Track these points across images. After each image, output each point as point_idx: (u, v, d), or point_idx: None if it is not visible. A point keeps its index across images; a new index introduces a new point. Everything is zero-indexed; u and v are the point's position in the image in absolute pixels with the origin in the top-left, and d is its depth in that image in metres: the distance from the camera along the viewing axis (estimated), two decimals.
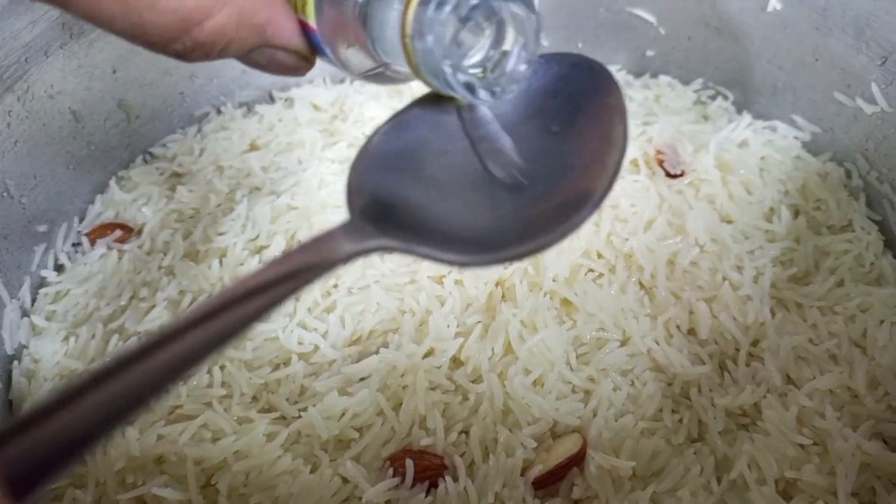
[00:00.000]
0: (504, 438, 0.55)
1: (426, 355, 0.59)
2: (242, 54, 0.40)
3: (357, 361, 0.59)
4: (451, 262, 0.35)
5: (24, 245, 0.69)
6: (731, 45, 0.81)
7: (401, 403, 0.56)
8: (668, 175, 0.72)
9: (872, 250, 0.68)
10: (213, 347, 0.29)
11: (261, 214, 0.69)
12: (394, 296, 0.62)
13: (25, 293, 0.68)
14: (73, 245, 0.74)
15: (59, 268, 0.72)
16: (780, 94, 0.79)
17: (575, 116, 0.41)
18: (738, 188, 0.71)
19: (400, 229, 0.36)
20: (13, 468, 0.24)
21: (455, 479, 0.53)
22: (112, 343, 0.62)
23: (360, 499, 0.52)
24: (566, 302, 0.62)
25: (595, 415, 0.56)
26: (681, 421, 0.58)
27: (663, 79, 0.87)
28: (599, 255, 0.65)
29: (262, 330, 0.61)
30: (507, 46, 0.38)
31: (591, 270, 0.65)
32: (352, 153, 0.78)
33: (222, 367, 0.59)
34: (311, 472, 0.54)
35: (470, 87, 0.38)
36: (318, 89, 0.88)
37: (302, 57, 0.42)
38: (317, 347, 0.60)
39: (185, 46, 0.37)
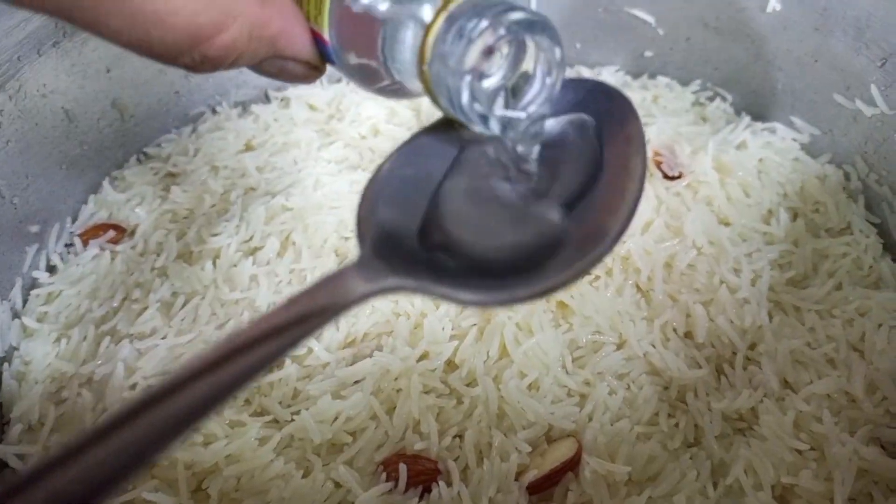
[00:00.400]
0: (498, 443, 0.54)
1: (420, 358, 0.58)
2: (253, 64, 0.39)
3: (351, 364, 0.58)
4: (466, 302, 0.34)
5: (15, 245, 0.68)
6: (730, 46, 0.80)
7: (394, 407, 0.56)
8: (666, 177, 0.72)
9: (871, 253, 0.67)
10: (222, 398, 0.28)
11: (255, 215, 0.69)
12: (388, 298, 0.62)
13: (17, 294, 0.67)
14: (66, 246, 0.73)
15: (51, 269, 0.71)
16: (779, 96, 0.79)
17: (592, 146, 0.40)
18: (737, 190, 0.71)
19: (412, 266, 0.35)
20: None
21: (449, 484, 0.53)
22: (104, 345, 0.62)
23: None
24: (562, 305, 0.62)
25: (590, 419, 0.56)
26: (677, 425, 0.57)
27: (662, 80, 0.87)
28: None
29: None
30: (527, 71, 0.37)
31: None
32: (348, 153, 0.79)
33: None
34: (304, 476, 0.53)
35: (484, 118, 0.37)
36: (314, 89, 0.87)
37: (312, 66, 0.41)
38: (310, 350, 0.60)
39: (193, 60, 0.35)
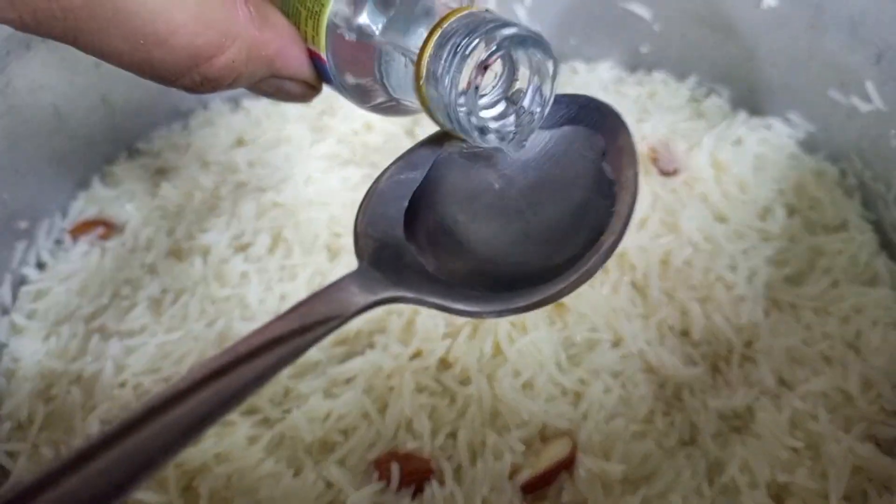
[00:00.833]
0: (492, 442, 0.53)
1: (413, 356, 0.58)
2: (251, 84, 0.40)
3: (342, 362, 0.58)
4: (462, 313, 0.35)
5: (4, 242, 0.67)
6: (726, 41, 0.80)
7: (387, 406, 0.55)
8: (662, 173, 0.71)
9: (867, 250, 0.67)
10: (225, 407, 0.28)
11: (246, 211, 0.68)
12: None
13: (6, 291, 0.66)
14: (56, 242, 0.72)
15: (40, 265, 0.70)
16: (775, 92, 0.78)
17: (586, 159, 0.41)
18: (733, 187, 0.71)
19: (409, 276, 0.36)
20: None
21: (442, 484, 0.52)
22: (93, 342, 0.61)
23: (345, 503, 0.51)
24: (557, 303, 0.61)
25: (585, 417, 0.55)
26: (672, 423, 0.57)
27: (657, 75, 0.86)
28: None
29: (246, 329, 0.60)
30: (521, 88, 0.38)
31: None
32: (340, 149, 0.78)
33: None
34: (295, 475, 0.53)
35: (482, 131, 0.37)
36: None
37: (310, 86, 0.42)
38: None
39: (193, 81, 0.36)
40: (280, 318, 0.31)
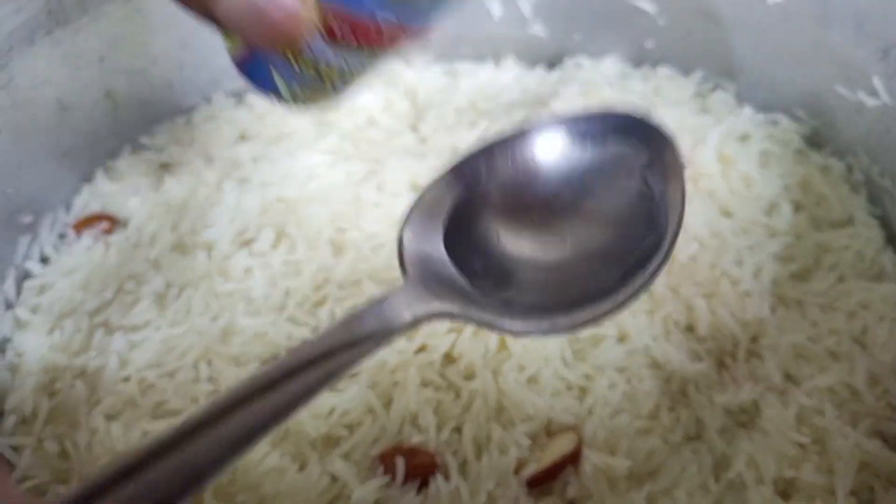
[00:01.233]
0: (497, 436, 0.53)
1: (418, 351, 0.57)
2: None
3: None
4: (508, 331, 0.36)
5: (8, 236, 0.67)
6: (732, 36, 0.80)
7: (391, 400, 0.55)
8: None
9: (873, 246, 0.67)
10: (269, 424, 0.28)
11: (249, 207, 0.68)
12: (386, 290, 0.61)
13: (10, 285, 0.66)
14: (59, 236, 0.72)
15: (44, 259, 0.70)
16: (781, 87, 0.78)
17: (632, 176, 0.41)
18: (738, 182, 0.70)
19: (454, 292, 0.36)
20: None
21: (447, 478, 0.52)
22: (97, 337, 0.61)
23: (349, 498, 0.51)
24: None
25: (591, 413, 0.55)
26: (678, 419, 0.57)
27: (662, 70, 0.86)
28: None
29: (250, 324, 0.60)
30: None
31: None
32: (343, 144, 0.78)
33: (209, 362, 0.58)
34: (299, 470, 0.53)
35: None
36: None
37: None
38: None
39: None
40: (328, 332, 0.31)
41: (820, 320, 0.61)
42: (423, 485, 0.52)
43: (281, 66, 0.42)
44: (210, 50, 0.80)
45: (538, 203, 0.41)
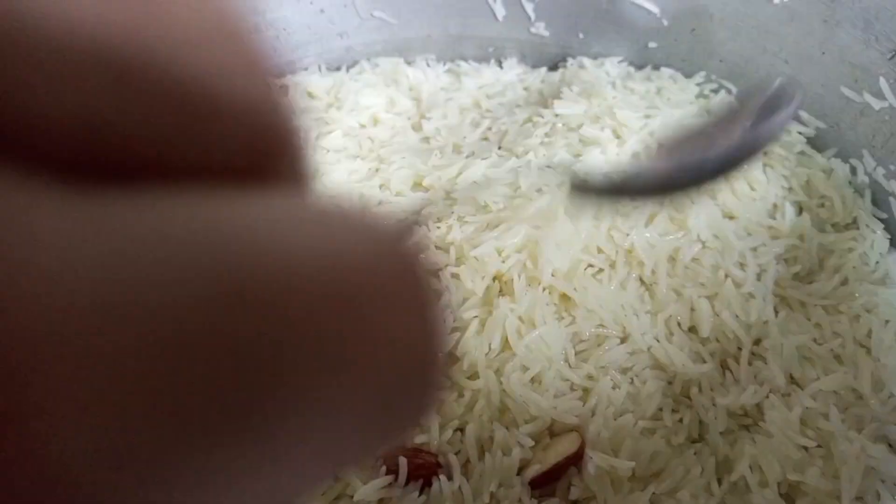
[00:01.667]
0: (500, 437, 0.53)
1: None
2: None
3: None
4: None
5: None
6: (736, 37, 0.79)
7: None
8: None
9: (878, 249, 0.66)
10: None
11: None
12: None
13: None
14: None
15: None
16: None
17: None
18: (742, 184, 0.70)
19: None
20: None
21: (449, 478, 0.52)
22: None
23: (352, 497, 0.51)
24: (565, 297, 0.61)
25: (594, 413, 0.55)
26: (681, 420, 0.56)
27: (665, 71, 0.85)
28: (599, 250, 0.64)
29: None
30: None
31: (590, 266, 0.63)
32: (347, 142, 0.77)
33: None
34: None
35: None
36: (312, 76, 0.86)
37: None
38: None
39: None
40: None
41: (824, 323, 0.61)
42: (426, 485, 0.52)
43: None
44: None
45: None
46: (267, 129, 0.15)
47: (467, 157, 0.75)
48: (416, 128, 0.80)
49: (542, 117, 0.78)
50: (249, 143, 0.14)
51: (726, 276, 0.63)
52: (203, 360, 0.10)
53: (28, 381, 0.09)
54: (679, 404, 0.58)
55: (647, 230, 0.65)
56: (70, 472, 0.09)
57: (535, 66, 0.90)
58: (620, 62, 0.88)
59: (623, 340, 0.60)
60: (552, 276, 0.61)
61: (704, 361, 0.59)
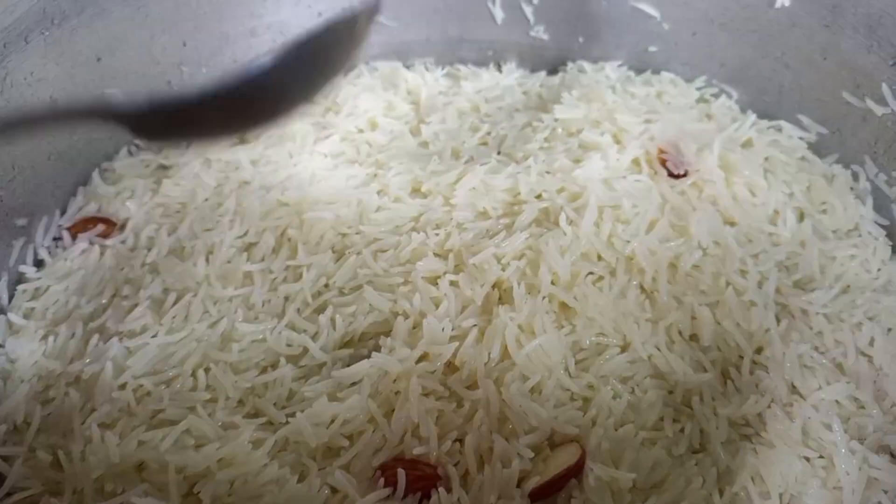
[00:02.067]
0: (500, 448, 0.52)
1: (420, 360, 0.56)
2: None
3: (348, 365, 0.57)
4: None
5: (1, 239, 0.66)
6: (737, 42, 0.79)
7: (393, 410, 0.54)
8: (671, 175, 0.70)
9: (879, 256, 0.66)
10: None
11: (250, 210, 0.67)
12: (387, 297, 0.60)
13: (2, 289, 0.65)
14: (54, 239, 0.71)
15: (38, 263, 0.69)
16: (786, 94, 0.77)
17: None
18: (742, 189, 0.70)
19: None
20: None
21: (449, 490, 0.51)
22: (92, 343, 0.60)
23: None
24: (564, 306, 0.60)
25: (594, 423, 0.54)
26: (682, 430, 0.56)
27: (666, 75, 0.85)
28: (599, 258, 0.63)
29: (249, 331, 0.59)
30: None
31: (590, 273, 0.62)
32: (345, 147, 0.77)
33: (207, 370, 0.57)
34: (299, 481, 0.52)
35: None
36: None
37: None
38: (305, 350, 0.58)
39: None
40: None
41: (825, 331, 0.60)
42: (425, 497, 0.51)
43: None
44: (210, 50, 0.79)
45: None
46: None
47: (466, 162, 0.74)
48: (415, 132, 0.79)
49: (542, 122, 0.77)
50: None
51: (727, 283, 0.62)
52: None
53: None
54: (680, 414, 0.57)
55: (647, 237, 0.64)
56: None
57: (534, 69, 0.90)
58: (620, 66, 0.87)
59: (623, 349, 0.59)
60: (552, 284, 0.60)
61: (706, 370, 0.58)
